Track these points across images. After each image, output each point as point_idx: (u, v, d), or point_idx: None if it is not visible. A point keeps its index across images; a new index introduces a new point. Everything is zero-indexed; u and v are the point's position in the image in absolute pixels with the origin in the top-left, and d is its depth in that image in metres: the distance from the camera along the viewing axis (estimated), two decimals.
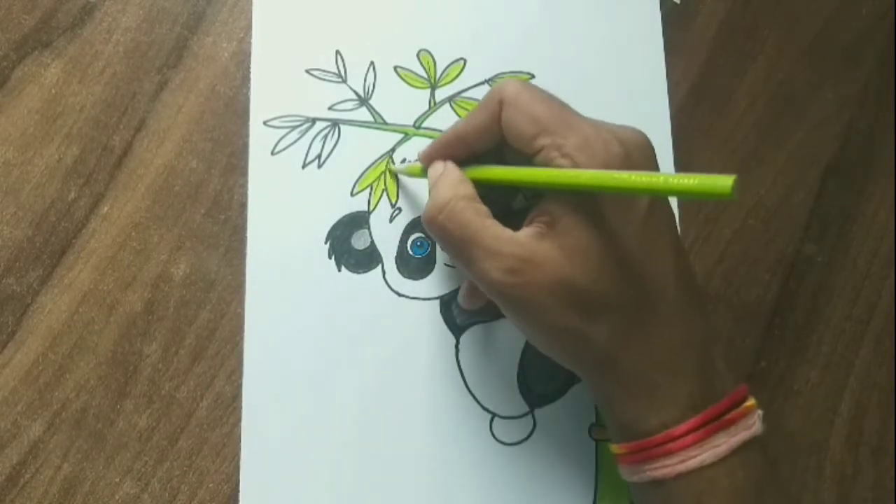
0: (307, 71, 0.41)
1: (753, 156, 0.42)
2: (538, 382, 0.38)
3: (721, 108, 0.42)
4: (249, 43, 0.41)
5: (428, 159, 0.35)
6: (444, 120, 0.41)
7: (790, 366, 0.40)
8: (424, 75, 0.41)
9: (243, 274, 0.38)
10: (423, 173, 0.35)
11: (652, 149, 0.31)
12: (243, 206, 0.39)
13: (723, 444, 0.29)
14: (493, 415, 0.38)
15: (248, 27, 0.41)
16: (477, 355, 0.38)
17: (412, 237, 0.39)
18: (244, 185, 0.39)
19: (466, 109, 0.41)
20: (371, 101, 0.40)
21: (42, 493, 0.36)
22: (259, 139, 0.40)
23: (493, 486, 0.37)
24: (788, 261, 0.41)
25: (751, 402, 0.30)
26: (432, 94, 0.41)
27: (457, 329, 0.38)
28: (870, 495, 0.39)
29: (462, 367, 0.38)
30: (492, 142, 0.32)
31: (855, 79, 0.43)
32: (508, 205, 0.35)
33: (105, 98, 0.40)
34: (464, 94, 0.41)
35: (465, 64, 0.41)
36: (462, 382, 0.38)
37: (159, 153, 0.39)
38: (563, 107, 0.31)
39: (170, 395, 0.37)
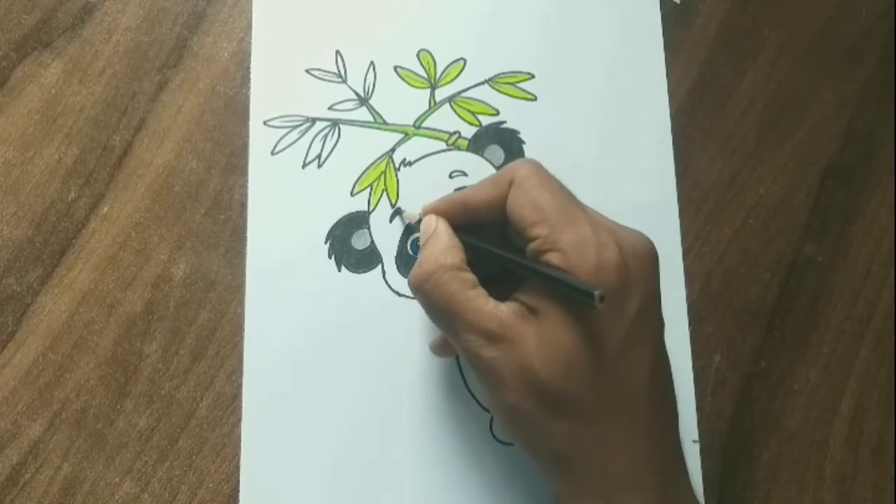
0: (307, 71, 0.41)
1: (753, 156, 0.42)
2: None
3: (721, 108, 0.42)
4: (249, 43, 0.41)
5: (427, 210, 0.35)
6: (444, 120, 0.41)
7: (790, 366, 0.40)
8: (424, 75, 0.41)
9: (243, 274, 0.38)
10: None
11: (654, 257, 0.31)
12: (243, 206, 0.39)
13: None
14: (493, 415, 0.38)
15: (248, 27, 0.41)
16: None
17: (412, 237, 0.39)
18: (244, 185, 0.39)
19: (466, 109, 0.41)
20: (371, 101, 0.40)
21: (42, 493, 0.36)
22: (259, 139, 0.40)
23: (493, 486, 0.37)
24: (788, 261, 0.41)
25: None
26: (432, 94, 0.41)
27: None
28: (870, 495, 0.39)
29: (462, 367, 0.38)
30: (496, 217, 0.32)
31: (855, 79, 0.43)
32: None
33: (105, 98, 0.40)
34: (464, 94, 0.41)
35: (465, 64, 0.41)
36: (462, 382, 0.38)
37: (159, 153, 0.39)
38: (569, 200, 0.31)
39: (170, 395, 0.37)
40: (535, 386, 0.29)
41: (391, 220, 0.39)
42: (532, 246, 0.30)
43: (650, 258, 0.30)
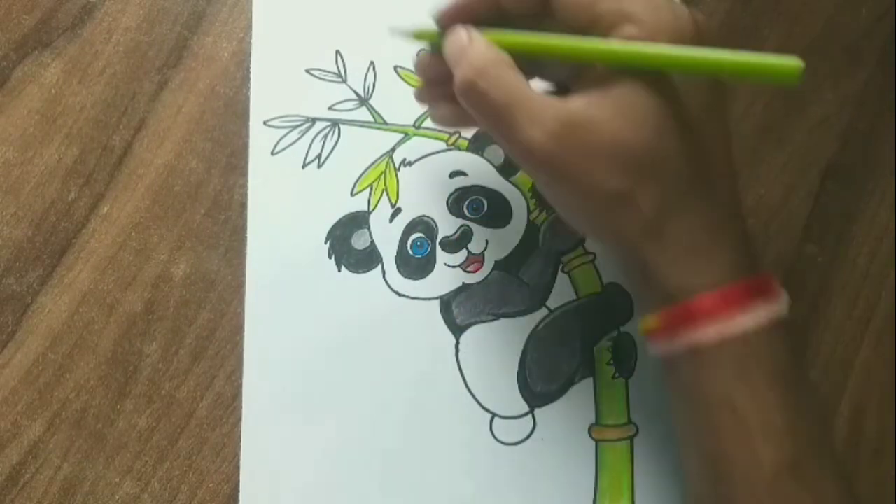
0: (307, 71, 0.41)
1: (753, 156, 0.42)
2: (538, 382, 0.38)
3: None
4: (249, 43, 0.41)
5: (446, 19, 0.31)
6: None
7: None
8: None
9: (243, 274, 0.38)
10: (437, 38, 0.31)
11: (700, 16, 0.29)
12: (243, 206, 0.39)
13: (763, 313, 0.28)
14: (493, 415, 0.38)
15: (248, 27, 0.41)
16: (477, 355, 0.38)
17: (412, 237, 0.39)
18: (244, 185, 0.39)
19: None
20: (371, 101, 0.40)
21: (42, 493, 0.36)
22: (259, 139, 0.40)
23: (493, 486, 0.37)
24: (788, 261, 0.41)
25: (777, 285, 0.30)
26: None
27: (457, 329, 0.38)
28: (870, 495, 0.39)
29: (462, 367, 0.38)
30: (529, 6, 0.29)
31: (855, 79, 0.43)
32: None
33: (105, 98, 0.40)
34: None
35: None
36: (462, 382, 0.38)
37: (159, 153, 0.39)
38: None
39: (170, 395, 0.37)
40: (628, 161, 0.27)
41: (391, 220, 0.39)
42: (598, 29, 0.27)
43: (697, 15, 0.29)
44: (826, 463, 0.29)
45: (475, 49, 0.29)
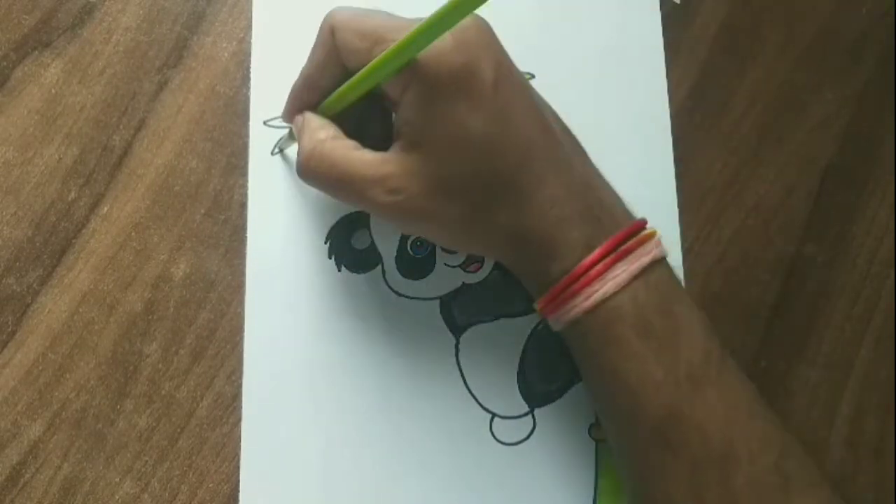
0: None
1: (753, 156, 0.42)
2: (538, 382, 0.38)
3: (721, 108, 0.42)
4: (249, 43, 0.41)
5: (289, 116, 0.36)
6: None
7: (790, 366, 0.40)
8: None
9: (243, 274, 0.38)
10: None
11: (484, 25, 0.31)
12: (243, 206, 0.39)
13: (622, 272, 0.30)
14: (493, 415, 0.38)
15: (248, 27, 0.41)
16: (477, 355, 0.38)
17: (412, 237, 0.39)
18: (244, 185, 0.39)
19: None
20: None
21: (42, 493, 0.36)
22: (259, 139, 0.40)
23: (493, 486, 0.37)
24: (788, 261, 0.41)
25: (650, 231, 0.32)
26: None
27: (457, 329, 0.38)
28: (870, 495, 0.39)
29: (462, 367, 0.38)
30: (337, 74, 0.33)
31: (855, 79, 0.43)
32: (377, 131, 0.35)
33: (105, 98, 0.40)
34: None
35: None
36: (462, 382, 0.38)
37: (159, 153, 0.39)
38: (390, 16, 0.31)
39: (170, 395, 0.37)
40: (458, 189, 0.31)
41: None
42: (377, 60, 0.30)
43: (481, 27, 0.31)
44: (726, 377, 0.32)
45: (304, 133, 0.33)
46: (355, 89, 0.32)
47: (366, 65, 0.30)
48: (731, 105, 0.42)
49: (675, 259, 0.40)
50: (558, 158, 0.32)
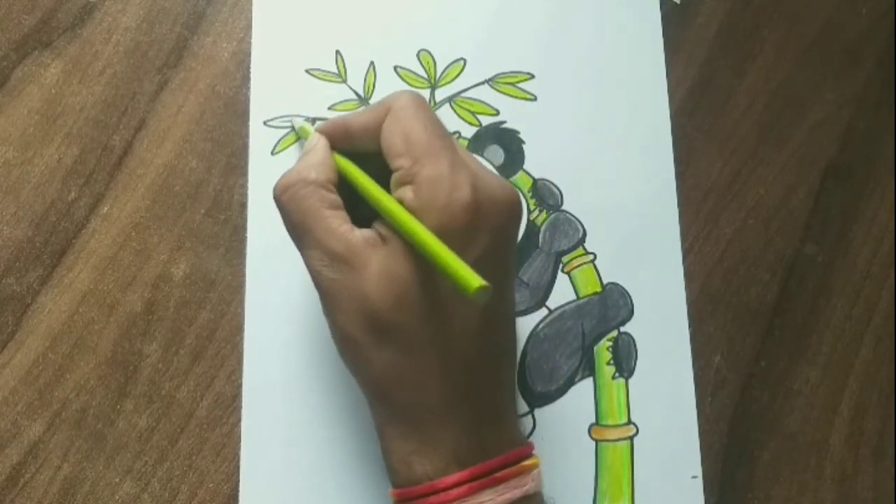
0: (307, 71, 0.41)
1: (753, 156, 0.42)
2: (538, 382, 0.38)
3: (721, 108, 0.42)
4: (249, 43, 0.41)
5: (319, 129, 0.34)
6: (445, 120, 0.40)
7: (790, 366, 0.40)
8: (424, 75, 0.41)
9: (243, 274, 0.38)
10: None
11: (512, 204, 0.30)
12: (243, 206, 0.39)
13: (488, 501, 0.28)
14: None
15: (248, 27, 0.41)
16: None
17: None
18: (244, 185, 0.39)
19: (466, 109, 0.41)
20: (371, 101, 0.40)
21: (42, 493, 0.36)
22: (259, 139, 0.40)
23: None
24: (788, 261, 0.41)
25: (532, 461, 0.30)
26: (432, 94, 0.41)
27: None
28: (870, 495, 0.39)
29: None
30: (373, 144, 0.31)
31: (855, 79, 0.43)
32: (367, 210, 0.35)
33: (105, 98, 0.40)
34: (464, 94, 0.41)
35: (465, 64, 0.41)
36: None
37: (159, 153, 0.39)
38: (441, 136, 0.30)
39: (170, 395, 0.37)
40: (367, 313, 0.29)
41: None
42: (394, 176, 0.30)
43: (508, 206, 0.30)
44: None
45: (302, 162, 0.32)
46: (363, 190, 0.31)
47: (390, 164, 0.30)
48: (731, 105, 0.42)
49: (675, 259, 0.40)
50: (485, 360, 0.30)
